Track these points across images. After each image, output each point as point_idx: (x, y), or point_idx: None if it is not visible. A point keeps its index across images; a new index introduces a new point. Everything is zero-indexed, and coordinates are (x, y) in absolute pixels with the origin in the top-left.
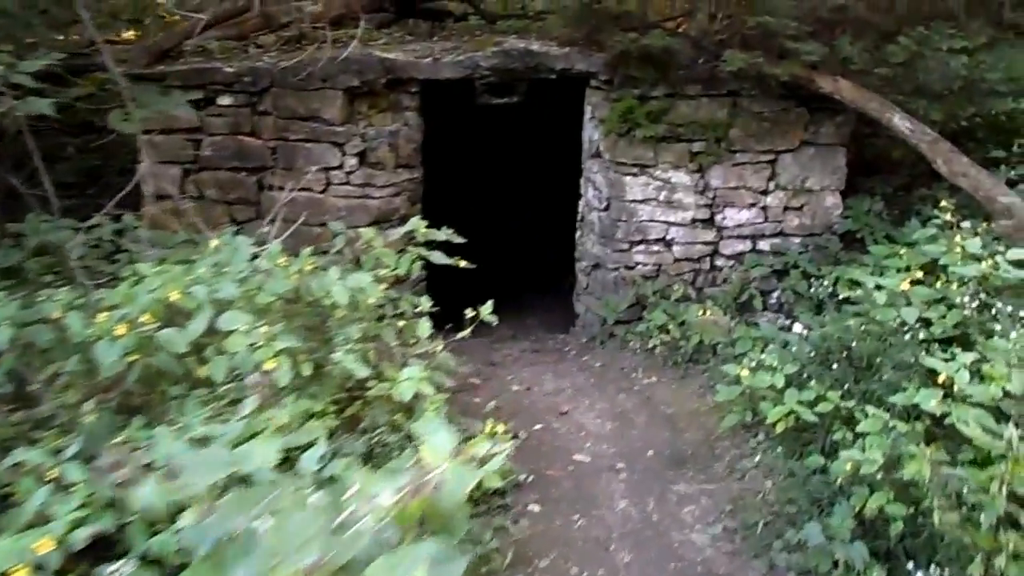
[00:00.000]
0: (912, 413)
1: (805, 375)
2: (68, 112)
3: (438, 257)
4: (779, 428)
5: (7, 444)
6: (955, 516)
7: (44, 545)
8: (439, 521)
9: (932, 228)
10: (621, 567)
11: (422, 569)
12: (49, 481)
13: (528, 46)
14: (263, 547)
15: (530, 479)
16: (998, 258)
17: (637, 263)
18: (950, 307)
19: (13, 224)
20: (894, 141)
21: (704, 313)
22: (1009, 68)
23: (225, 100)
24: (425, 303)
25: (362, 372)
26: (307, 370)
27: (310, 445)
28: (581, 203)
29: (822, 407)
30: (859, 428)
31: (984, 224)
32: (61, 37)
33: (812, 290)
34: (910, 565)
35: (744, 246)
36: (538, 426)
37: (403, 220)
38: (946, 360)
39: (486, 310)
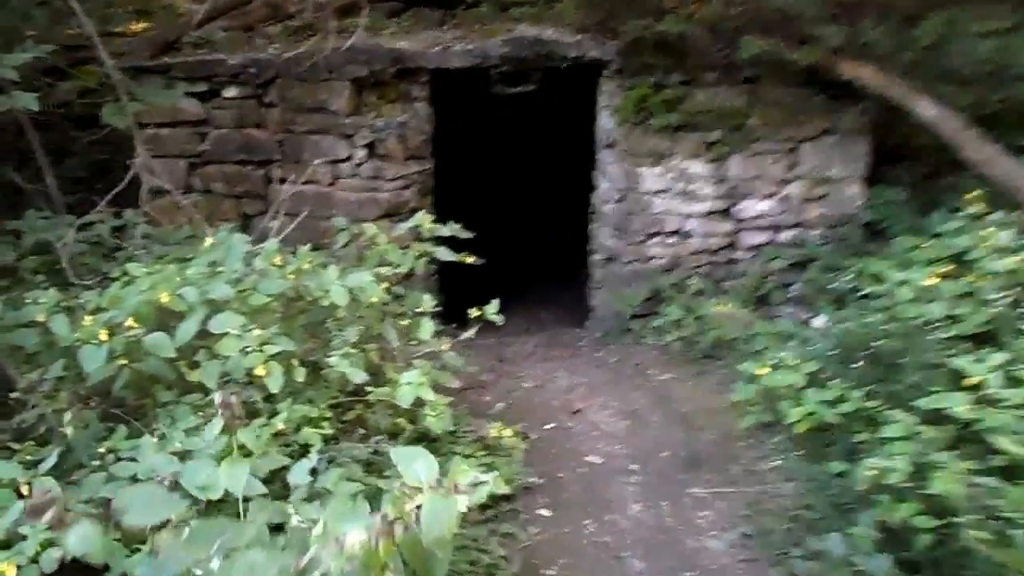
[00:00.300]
0: (939, 417)
1: (826, 374)
2: (75, 105)
3: (444, 253)
4: (799, 429)
5: None
6: (987, 533)
7: (7, 570)
8: (418, 561)
9: (959, 220)
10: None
11: None
12: (24, 496)
13: (539, 34)
14: None
15: (540, 482)
16: None
17: (653, 256)
18: (979, 303)
19: (13, 221)
20: (919, 128)
21: (721, 307)
22: None
23: (230, 92)
24: (427, 303)
25: (359, 377)
26: (300, 376)
27: (284, 469)
28: (595, 194)
29: (844, 408)
30: (883, 433)
31: (1014, 215)
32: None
33: (833, 283)
34: None
35: (763, 238)
36: (550, 425)
37: (413, 213)
38: (975, 361)
39: (491, 310)
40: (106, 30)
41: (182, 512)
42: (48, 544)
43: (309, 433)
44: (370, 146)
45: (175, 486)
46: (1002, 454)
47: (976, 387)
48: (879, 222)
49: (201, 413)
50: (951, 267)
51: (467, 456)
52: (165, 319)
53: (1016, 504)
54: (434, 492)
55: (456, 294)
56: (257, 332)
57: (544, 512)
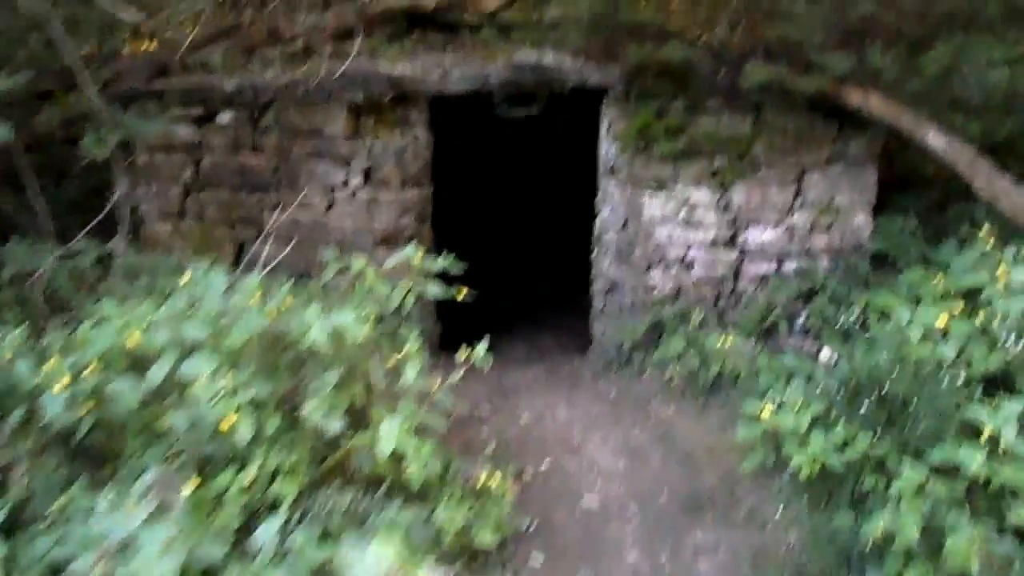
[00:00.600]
0: (951, 468)
1: (832, 416)
2: (72, 128)
3: (434, 290)
4: (804, 474)
5: None
6: None
7: None
8: None
9: (971, 254)
10: None
11: None
12: None
13: (540, 59)
14: None
15: (534, 526)
16: None
17: (655, 285)
18: (992, 343)
19: None
20: (927, 155)
21: (725, 340)
22: None
23: (225, 117)
24: (413, 343)
25: (334, 427)
26: (273, 425)
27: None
28: (597, 221)
29: (851, 453)
30: (893, 488)
31: None
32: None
33: (840, 316)
34: None
35: (768, 267)
36: (546, 463)
37: (411, 240)
38: (990, 410)
39: (480, 351)
40: (108, 49)
41: None
42: None
43: (280, 487)
44: (367, 172)
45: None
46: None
47: (991, 438)
48: (887, 252)
49: (171, 462)
50: (962, 306)
51: (455, 504)
52: (139, 360)
53: None
54: None
55: (456, 320)
56: (228, 378)
57: (537, 559)
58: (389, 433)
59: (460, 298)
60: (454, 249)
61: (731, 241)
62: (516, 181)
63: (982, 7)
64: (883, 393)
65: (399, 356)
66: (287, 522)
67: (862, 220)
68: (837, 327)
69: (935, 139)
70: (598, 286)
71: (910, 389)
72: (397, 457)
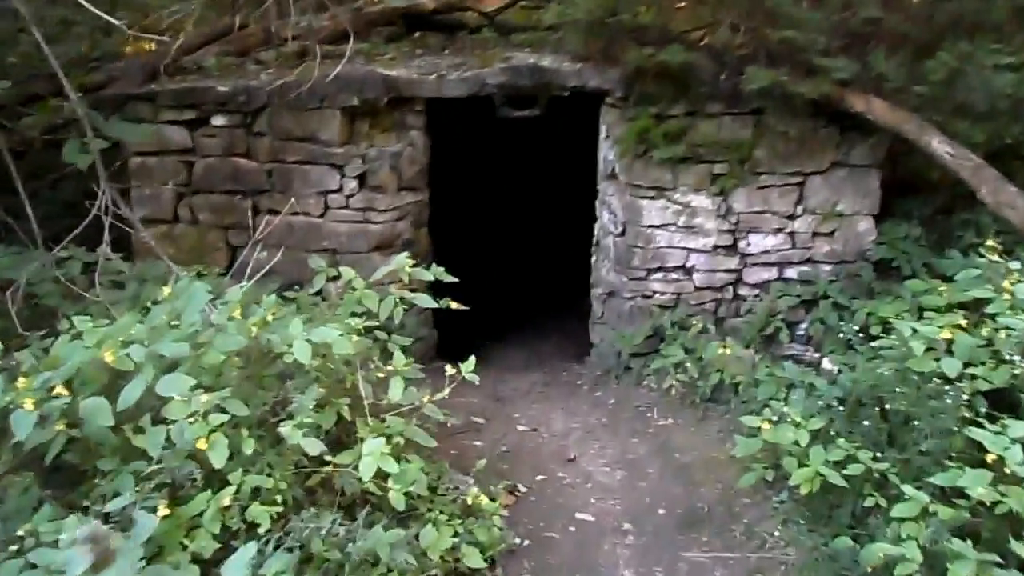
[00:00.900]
0: (956, 489)
1: (833, 431)
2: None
3: (423, 300)
4: (803, 491)
5: None
6: None
7: None
8: None
9: (976, 266)
10: None
11: None
12: None
13: (538, 62)
14: None
15: (525, 543)
16: None
17: (655, 292)
18: (998, 361)
19: None
20: (933, 160)
21: (725, 349)
22: None
23: (219, 120)
24: (399, 359)
25: (314, 449)
26: (249, 447)
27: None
28: (596, 227)
29: (852, 469)
30: (894, 512)
31: None
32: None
33: (843, 324)
34: None
35: (770, 274)
36: (541, 477)
37: (407, 245)
38: (996, 433)
39: (467, 367)
40: (102, 52)
41: None
42: None
43: (258, 510)
44: (362, 177)
45: None
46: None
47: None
48: (891, 259)
49: (147, 483)
50: (966, 319)
51: (443, 523)
52: (116, 377)
53: None
54: None
55: (454, 326)
56: (204, 398)
57: None
58: (371, 454)
59: (452, 308)
60: (453, 254)
61: (732, 248)
62: (516, 185)
63: (988, 11)
64: (885, 408)
65: (387, 369)
66: (264, 545)
67: (865, 227)
68: (839, 336)
69: (940, 146)
70: (597, 292)
71: (912, 405)
72: (382, 476)
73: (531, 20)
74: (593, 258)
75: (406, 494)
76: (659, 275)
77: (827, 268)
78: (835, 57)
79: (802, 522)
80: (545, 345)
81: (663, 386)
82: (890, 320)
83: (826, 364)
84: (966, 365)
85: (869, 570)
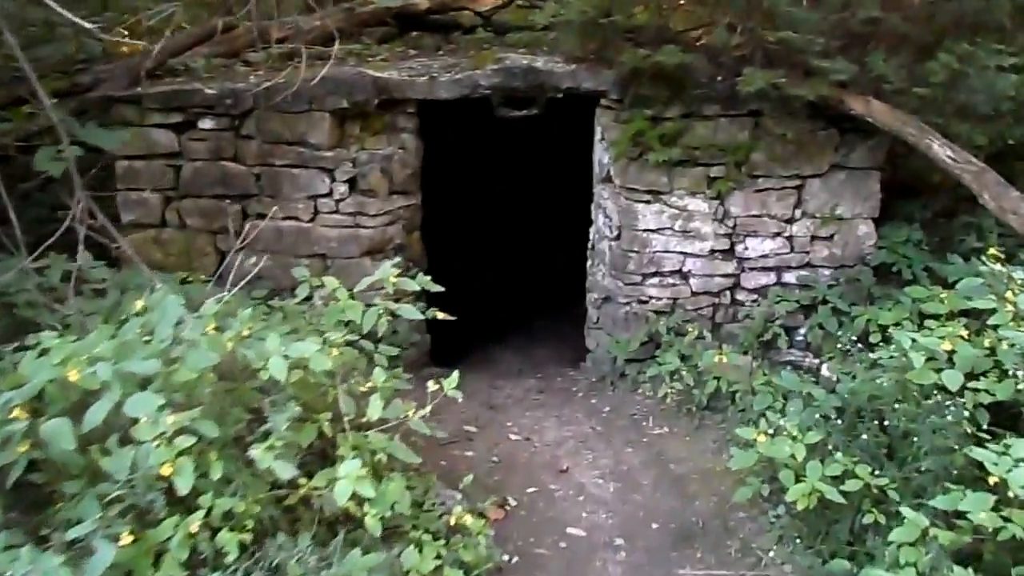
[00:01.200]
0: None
1: (830, 445)
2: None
3: (407, 311)
4: (800, 507)
5: None
6: None
7: None
8: None
9: (978, 273)
10: None
11: None
12: None
13: (531, 63)
14: None
15: (514, 560)
16: None
17: (651, 297)
18: (1002, 372)
19: None
20: (934, 162)
21: (722, 357)
22: None
23: (206, 123)
24: (378, 376)
25: (285, 473)
26: (217, 469)
27: None
28: (591, 231)
29: (850, 484)
30: (892, 536)
31: None
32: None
33: (842, 329)
34: None
35: (768, 279)
36: (532, 489)
37: (399, 250)
38: (999, 453)
39: (450, 383)
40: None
41: None
42: None
43: (227, 537)
44: (352, 181)
45: None
46: None
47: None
48: (892, 263)
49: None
50: (968, 329)
51: (427, 543)
52: (87, 395)
53: None
54: None
55: (449, 331)
56: (171, 419)
57: None
58: (346, 477)
59: (439, 317)
60: (447, 258)
61: (729, 252)
62: (513, 187)
63: (990, 10)
64: (883, 422)
65: (369, 384)
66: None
67: (865, 230)
68: (838, 343)
69: (941, 149)
70: (592, 297)
71: (912, 421)
72: (360, 499)
73: (527, 20)
74: (588, 262)
75: (388, 514)
76: (655, 280)
77: (826, 273)
78: (834, 58)
79: (799, 540)
80: (541, 350)
81: (659, 394)
82: (890, 328)
83: (825, 371)
84: (968, 376)
85: None
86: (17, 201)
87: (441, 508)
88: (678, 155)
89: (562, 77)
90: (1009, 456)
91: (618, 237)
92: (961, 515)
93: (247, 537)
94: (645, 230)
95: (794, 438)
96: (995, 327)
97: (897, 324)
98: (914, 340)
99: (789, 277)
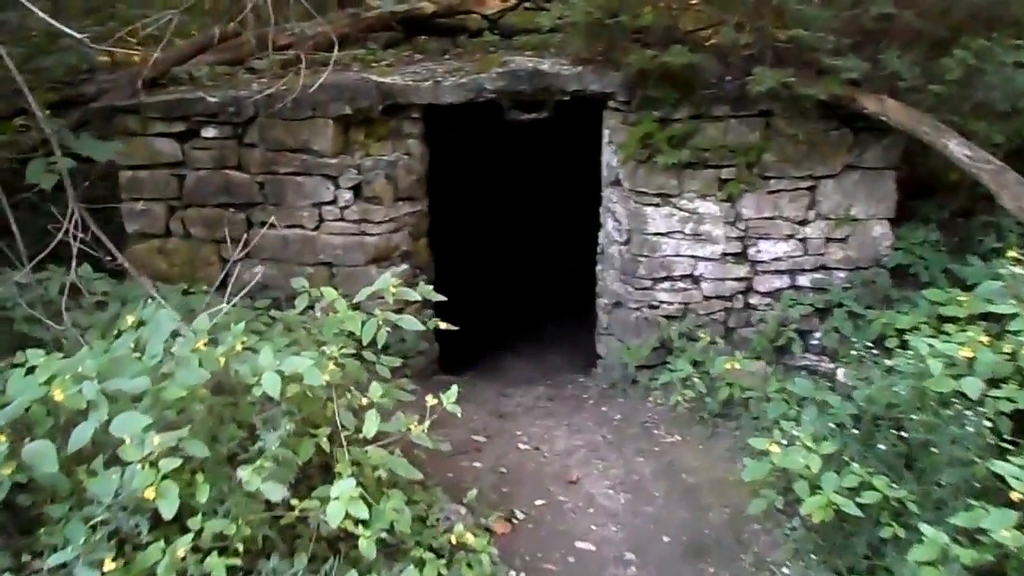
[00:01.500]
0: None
1: (847, 455)
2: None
3: (409, 322)
4: (815, 520)
5: None
6: None
7: None
8: None
9: (998, 276)
10: None
11: None
12: None
13: (537, 66)
14: None
15: None
16: None
17: (661, 302)
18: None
19: None
20: (951, 161)
21: (735, 364)
22: None
23: (209, 132)
24: (375, 390)
25: (275, 495)
26: (205, 492)
27: None
28: (601, 234)
29: (867, 497)
30: (911, 555)
31: None
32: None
33: (858, 333)
34: None
35: (781, 282)
36: (541, 501)
37: (405, 257)
38: (1021, 467)
39: (449, 398)
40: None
41: None
42: None
43: (215, 562)
44: (356, 188)
45: None
46: None
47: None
48: (909, 265)
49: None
50: (988, 333)
51: (429, 562)
52: (77, 413)
53: None
54: None
55: (459, 338)
56: (157, 439)
57: None
58: (340, 498)
59: (441, 327)
60: (457, 264)
61: (741, 255)
62: (524, 191)
63: (1007, 4)
64: (901, 430)
65: (366, 400)
66: None
67: (880, 231)
68: (854, 348)
69: (958, 148)
70: (602, 302)
71: (930, 431)
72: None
73: (534, 23)
74: (598, 267)
75: (386, 533)
76: (666, 284)
77: (841, 275)
78: (846, 56)
79: (814, 555)
80: (553, 356)
81: (670, 401)
82: (907, 333)
83: (841, 376)
84: (988, 382)
85: None
86: (26, 213)
87: (446, 523)
88: (688, 157)
89: (568, 79)
90: None
91: (628, 241)
92: (984, 530)
93: (237, 561)
94: (655, 234)
95: (809, 448)
96: (1016, 332)
97: (914, 328)
98: (932, 346)
99: (803, 280)
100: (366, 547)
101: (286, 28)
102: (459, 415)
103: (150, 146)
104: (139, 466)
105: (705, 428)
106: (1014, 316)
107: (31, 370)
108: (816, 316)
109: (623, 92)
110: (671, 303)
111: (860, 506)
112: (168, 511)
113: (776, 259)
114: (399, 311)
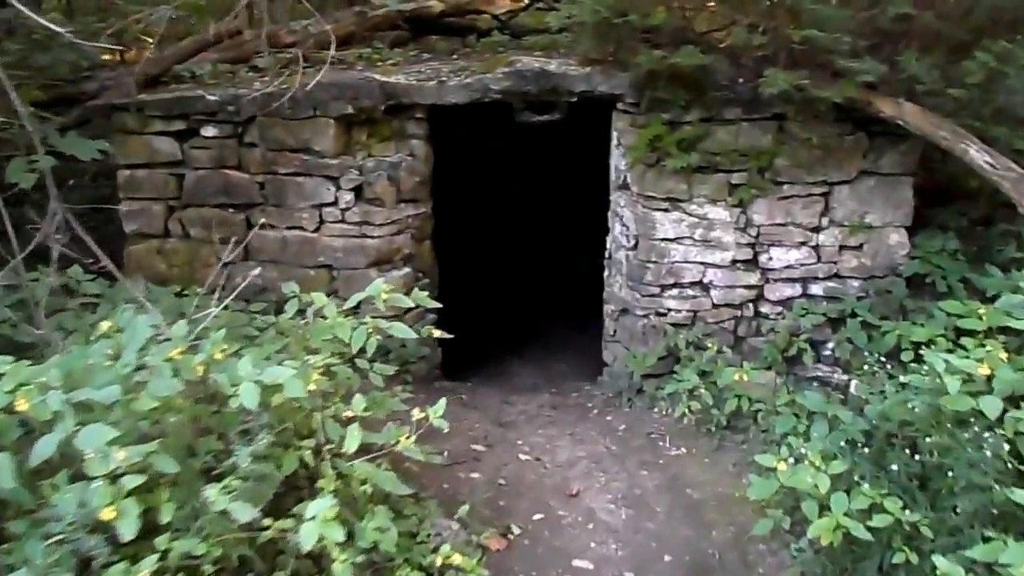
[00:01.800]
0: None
1: (857, 475)
2: None
3: (401, 330)
4: (824, 541)
5: None
6: None
7: None
8: None
9: (1019, 289)
10: None
11: None
12: None
13: (544, 66)
14: None
15: None
16: None
17: (669, 309)
18: None
19: None
20: (970, 167)
21: (743, 375)
22: None
23: (209, 131)
24: (359, 404)
25: (244, 515)
26: (168, 513)
27: None
28: (608, 239)
29: (878, 520)
30: None
31: None
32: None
33: (872, 344)
34: None
35: (793, 291)
36: (538, 515)
37: (408, 260)
38: None
39: (436, 412)
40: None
41: None
42: None
43: None
44: (358, 189)
45: None
46: None
47: None
48: (925, 274)
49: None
50: (1007, 348)
51: None
52: (43, 425)
53: None
54: None
55: (464, 343)
56: (121, 455)
57: None
58: (314, 519)
59: (436, 335)
60: (462, 266)
61: (752, 262)
62: (534, 194)
63: None
64: (915, 449)
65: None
66: None
67: (896, 239)
68: (868, 360)
69: (978, 155)
70: (609, 309)
71: (946, 453)
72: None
73: (544, 23)
74: (605, 273)
75: (370, 553)
76: (674, 291)
77: (855, 284)
78: (862, 58)
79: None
80: (559, 363)
81: (677, 412)
82: (923, 346)
83: (853, 389)
84: (1008, 400)
85: None
86: (30, 211)
87: (437, 539)
88: (697, 161)
89: (576, 80)
90: None
91: (635, 247)
92: (1003, 564)
93: None
94: (663, 239)
95: (817, 467)
96: None
97: (931, 342)
98: (948, 362)
99: (816, 289)
100: (340, 572)
101: (290, 26)
102: (446, 430)
103: (149, 145)
104: (98, 483)
105: (712, 441)
106: None
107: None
108: (829, 326)
109: (632, 93)
110: (679, 311)
111: (871, 529)
112: (128, 531)
113: (788, 267)
114: (399, 316)
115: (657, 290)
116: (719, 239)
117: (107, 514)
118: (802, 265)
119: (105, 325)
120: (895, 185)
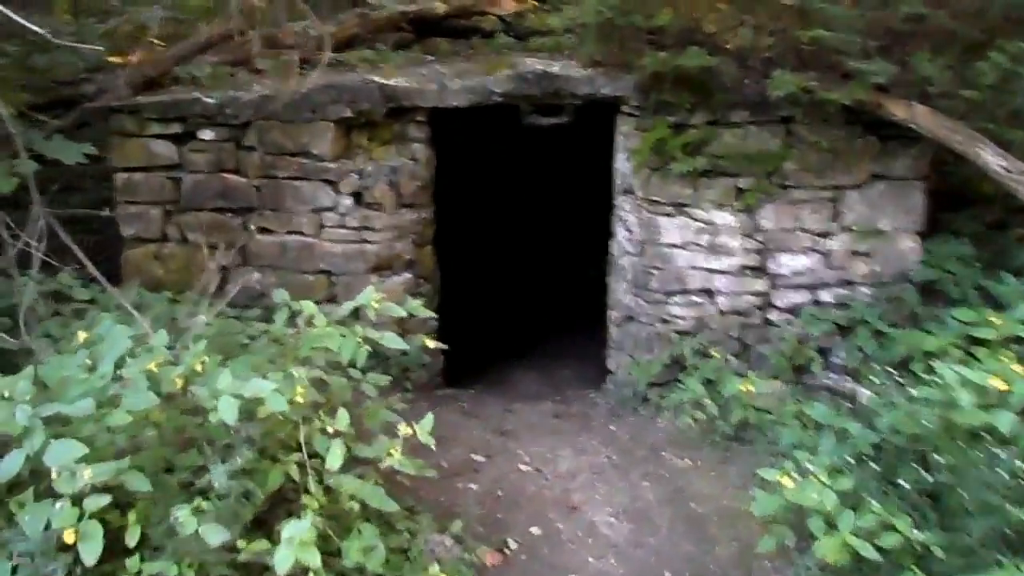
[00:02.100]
0: None
1: (866, 492)
2: None
3: (392, 340)
4: (829, 561)
5: None
6: None
7: None
8: None
9: None
10: None
11: None
12: None
13: (547, 69)
14: None
15: None
16: None
17: (674, 316)
18: None
19: None
20: (984, 171)
21: (750, 382)
22: None
23: (206, 134)
24: (343, 419)
25: (215, 538)
26: (135, 536)
27: None
28: (612, 245)
29: (887, 540)
30: None
31: None
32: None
33: (882, 353)
34: None
35: (802, 298)
36: (537, 529)
37: (408, 266)
38: None
39: (424, 427)
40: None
41: None
42: None
43: None
44: (357, 193)
45: None
46: None
47: None
48: (937, 281)
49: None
50: (1020, 363)
51: None
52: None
53: None
54: None
55: (468, 350)
56: (88, 473)
57: None
58: (289, 541)
59: (430, 346)
60: (465, 272)
61: (759, 269)
62: (541, 198)
63: None
64: (927, 464)
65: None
66: None
67: (908, 245)
68: (878, 370)
69: (993, 159)
70: (613, 316)
71: (957, 471)
72: (338, 534)
73: (546, 25)
74: (609, 278)
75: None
76: (679, 298)
77: (866, 291)
78: (872, 59)
79: None
80: (563, 369)
81: (681, 422)
82: (934, 357)
83: (862, 396)
84: (1022, 414)
85: None
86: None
87: (430, 555)
88: (703, 165)
89: (579, 83)
90: None
91: (640, 252)
92: None
93: None
94: (668, 245)
95: (824, 483)
96: None
97: (942, 351)
98: (960, 375)
99: (825, 295)
100: None
101: (291, 28)
102: (433, 447)
103: (146, 148)
104: (60, 503)
105: (717, 451)
106: None
107: None
108: (838, 334)
109: (636, 96)
110: (684, 318)
111: (879, 549)
112: (89, 556)
113: (796, 273)
114: (401, 323)
115: (662, 297)
116: (726, 245)
117: (69, 536)
118: (811, 271)
119: (83, 335)
120: (906, 189)
